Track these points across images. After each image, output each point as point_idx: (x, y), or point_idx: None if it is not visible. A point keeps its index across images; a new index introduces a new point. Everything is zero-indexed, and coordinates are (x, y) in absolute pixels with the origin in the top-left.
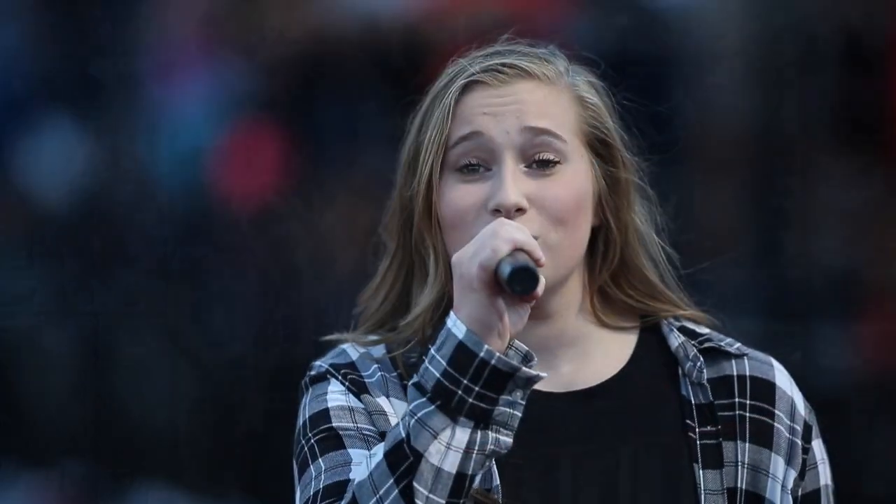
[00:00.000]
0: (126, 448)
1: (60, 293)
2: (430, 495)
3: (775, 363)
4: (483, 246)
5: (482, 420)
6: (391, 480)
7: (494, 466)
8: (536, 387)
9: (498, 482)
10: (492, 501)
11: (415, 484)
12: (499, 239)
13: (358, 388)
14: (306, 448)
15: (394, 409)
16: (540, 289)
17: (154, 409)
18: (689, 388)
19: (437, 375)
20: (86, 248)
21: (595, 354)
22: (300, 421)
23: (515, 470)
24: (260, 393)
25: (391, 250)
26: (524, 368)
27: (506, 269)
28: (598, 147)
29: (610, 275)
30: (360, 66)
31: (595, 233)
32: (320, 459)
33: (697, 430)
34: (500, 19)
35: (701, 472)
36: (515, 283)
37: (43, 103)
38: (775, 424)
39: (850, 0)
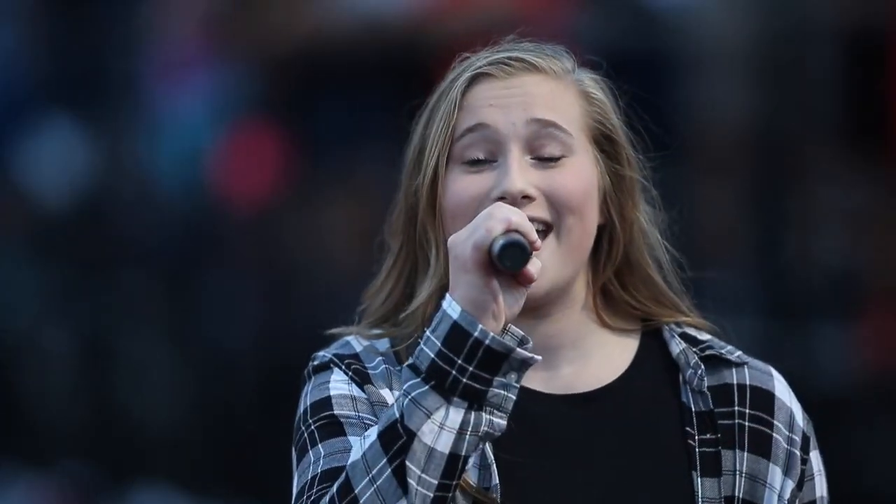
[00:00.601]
0: (126, 448)
1: (60, 293)
2: (423, 475)
3: (775, 373)
4: (477, 227)
5: (476, 401)
6: (384, 460)
7: (494, 466)
8: (537, 388)
9: (497, 481)
10: (490, 500)
11: (407, 463)
12: (493, 219)
13: (361, 378)
14: (306, 434)
15: None
16: (534, 270)
17: (154, 409)
18: (690, 395)
19: (432, 356)
20: (86, 248)
21: (596, 357)
22: (301, 408)
23: (514, 470)
24: (259, 393)
25: (395, 248)
26: (518, 349)
27: (497, 245)
28: (603, 143)
29: (614, 273)
30: (360, 67)
31: (599, 231)
32: (320, 445)
33: (697, 437)
34: (501, 20)
35: (699, 479)
36: (506, 257)
37: (43, 103)
38: (774, 435)
39: (850, 0)
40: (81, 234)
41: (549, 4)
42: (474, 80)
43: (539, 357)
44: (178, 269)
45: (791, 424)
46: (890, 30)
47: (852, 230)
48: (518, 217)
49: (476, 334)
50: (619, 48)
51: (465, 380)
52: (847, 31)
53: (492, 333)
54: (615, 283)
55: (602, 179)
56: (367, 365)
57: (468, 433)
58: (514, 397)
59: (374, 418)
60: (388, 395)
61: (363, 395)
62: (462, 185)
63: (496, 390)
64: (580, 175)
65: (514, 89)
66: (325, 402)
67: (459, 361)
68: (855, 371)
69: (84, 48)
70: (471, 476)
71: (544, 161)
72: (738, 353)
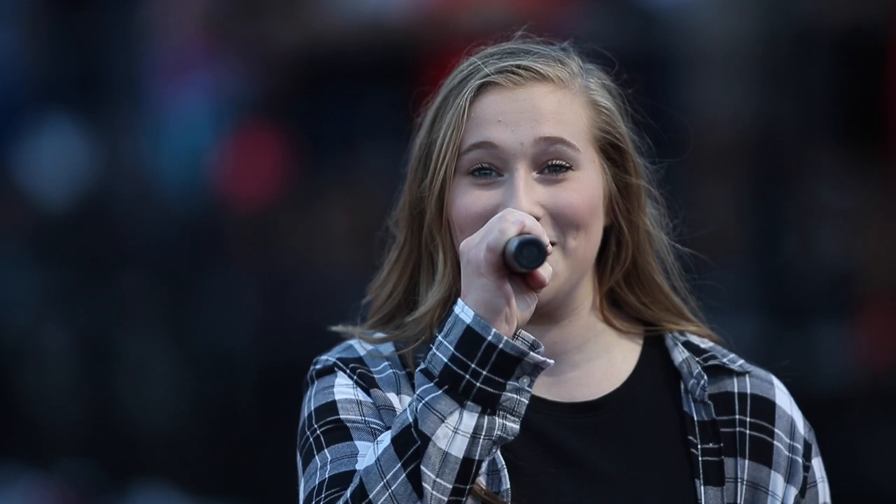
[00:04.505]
0: (126, 448)
1: (60, 293)
2: (438, 479)
3: (776, 382)
4: (491, 229)
5: (489, 405)
6: (398, 465)
7: (505, 471)
8: (541, 395)
9: (507, 486)
10: None
11: (422, 468)
12: (507, 222)
13: (367, 382)
14: (311, 439)
15: (404, 406)
16: (546, 274)
17: (154, 409)
18: (692, 404)
19: (445, 360)
20: (86, 248)
21: (599, 362)
22: (305, 413)
23: (523, 476)
24: (259, 393)
25: (399, 243)
26: (532, 353)
27: (513, 244)
28: (610, 151)
29: (622, 277)
30: (361, 68)
31: (606, 232)
32: (326, 450)
33: (700, 446)
34: (502, 21)
35: (702, 488)
36: (523, 256)
37: (43, 103)
38: (775, 443)
39: (849, 0)
40: (81, 235)
41: (548, 5)
42: (482, 88)
43: (552, 361)
44: (178, 268)
45: (792, 432)
46: (888, 30)
47: (851, 230)
48: (531, 220)
49: (490, 338)
50: (619, 48)
51: (478, 384)
52: (845, 31)
53: (505, 337)
54: (622, 285)
55: (609, 186)
56: (372, 369)
57: (482, 437)
58: (526, 401)
59: (380, 423)
60: (395, 400)
61: (369, 399)
62: (470, 199)
63: (509, 394)
64: (585, 190)
65: (521, 102)
66: (331, 407)
67: (473, 366)
68: (854, 371)
69: (84, 48)
70: (481, 480)
71: (550, 174)
72: (741, 361)
